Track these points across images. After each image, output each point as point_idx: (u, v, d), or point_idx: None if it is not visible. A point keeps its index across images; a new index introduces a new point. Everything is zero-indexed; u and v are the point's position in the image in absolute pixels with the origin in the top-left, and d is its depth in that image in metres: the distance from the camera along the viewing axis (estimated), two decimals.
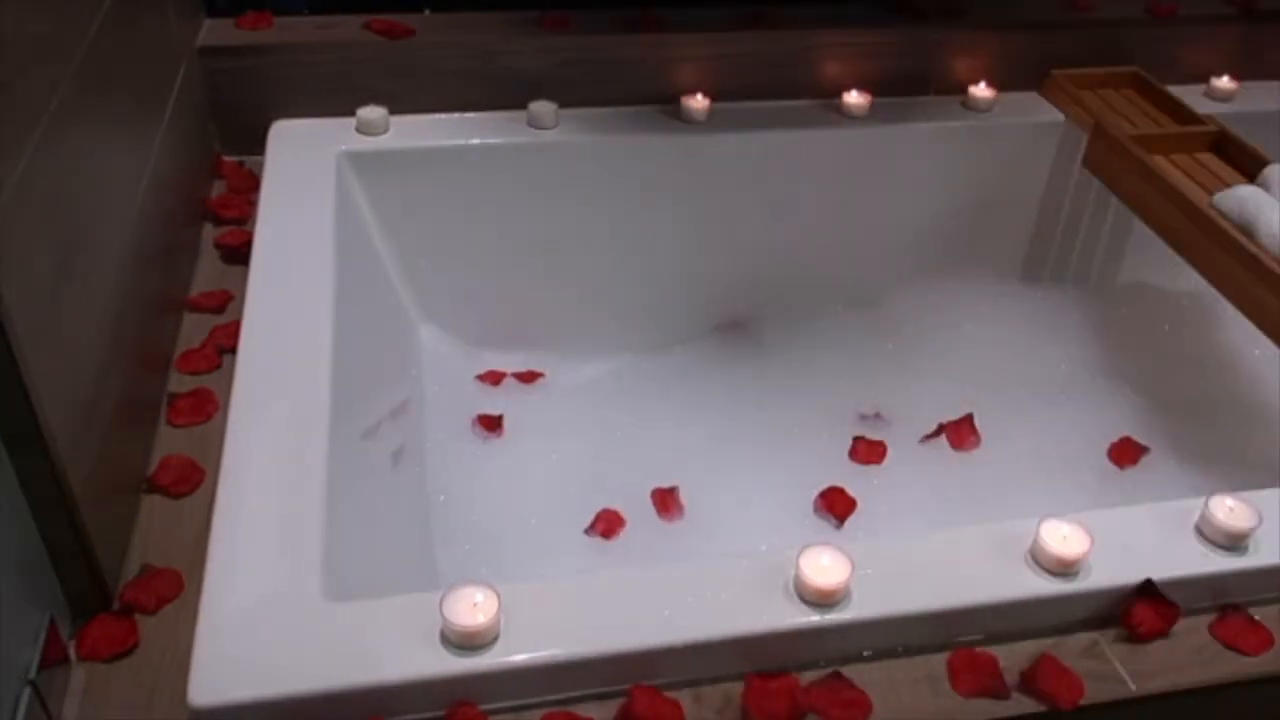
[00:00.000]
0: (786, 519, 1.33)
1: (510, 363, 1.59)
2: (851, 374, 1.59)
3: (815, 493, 1.35)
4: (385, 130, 1.47)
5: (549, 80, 1.53)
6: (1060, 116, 1.64)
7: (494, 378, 1.56)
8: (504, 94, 1.53)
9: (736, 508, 1.35)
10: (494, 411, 1.47)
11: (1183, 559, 0.93)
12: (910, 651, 0.89)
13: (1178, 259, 1.42)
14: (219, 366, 1.15)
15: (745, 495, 1.37)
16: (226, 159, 1.51)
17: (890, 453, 1.44)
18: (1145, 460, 1.42)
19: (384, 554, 1.10)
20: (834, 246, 1.68)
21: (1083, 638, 0.90)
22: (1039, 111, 1.66)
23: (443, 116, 1.52)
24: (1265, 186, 1.39)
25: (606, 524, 1.31)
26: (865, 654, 0.88)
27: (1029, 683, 0.86)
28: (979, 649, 0.89)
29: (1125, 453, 1.42)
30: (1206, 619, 0.93)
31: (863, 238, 1.69)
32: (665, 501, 1.34)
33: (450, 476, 1.35)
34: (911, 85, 1.65)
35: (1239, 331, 1.53)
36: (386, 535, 1.15)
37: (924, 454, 1.45)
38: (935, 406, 1.49)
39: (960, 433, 1.44)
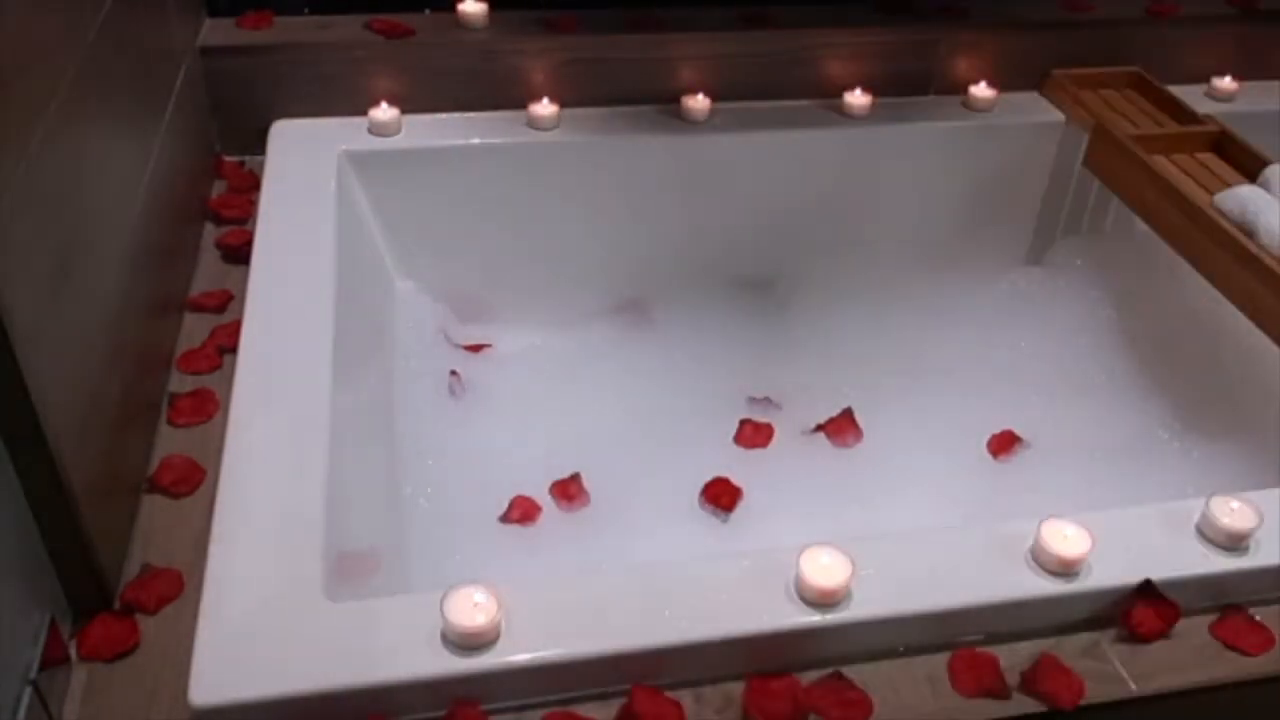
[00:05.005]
0: (676, 510, 1.32)
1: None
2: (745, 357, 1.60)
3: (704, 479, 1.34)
4: (398, 131, 1.47)
5: (549, 80, 1.53)
6: (1060, 116, 1.64)
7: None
8: (504, 94, 1.53)
9: (635, 494, 1.34)
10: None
11: (1183, 559, 0.93)
12: (910, 651, 0.89)
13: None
14: (219, 366, 1.15)
15: (640, 481, 1.36)
16: (227, 159, 1.51)
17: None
18: (1021, 452, 1.42)
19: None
20: (835, 243, 1.69)
21: (1083, 638, 0.91)
22: (1039, 111, 1.66)
23: (443, 116, 1.52)
24: (1266, 186, 1.39)
25: (522, 511, 1.29)
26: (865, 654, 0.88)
27: (1029, 683, 0.86)
28: (979, 649, 0.89)
29: (1003, 444, 1.43)
30: (1207, 619, 0.93)
31: (864, 236, 1.69)
32: (567, 491, 1.33)
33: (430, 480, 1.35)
34: (912, 85, 1.65)
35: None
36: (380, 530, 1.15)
37: (809, 441, 1.45)
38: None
39: (840, 428, 1.44)
